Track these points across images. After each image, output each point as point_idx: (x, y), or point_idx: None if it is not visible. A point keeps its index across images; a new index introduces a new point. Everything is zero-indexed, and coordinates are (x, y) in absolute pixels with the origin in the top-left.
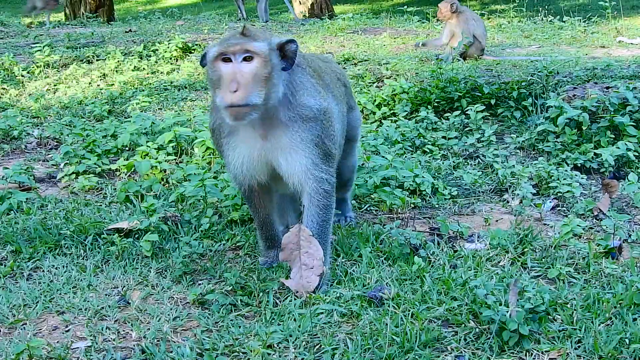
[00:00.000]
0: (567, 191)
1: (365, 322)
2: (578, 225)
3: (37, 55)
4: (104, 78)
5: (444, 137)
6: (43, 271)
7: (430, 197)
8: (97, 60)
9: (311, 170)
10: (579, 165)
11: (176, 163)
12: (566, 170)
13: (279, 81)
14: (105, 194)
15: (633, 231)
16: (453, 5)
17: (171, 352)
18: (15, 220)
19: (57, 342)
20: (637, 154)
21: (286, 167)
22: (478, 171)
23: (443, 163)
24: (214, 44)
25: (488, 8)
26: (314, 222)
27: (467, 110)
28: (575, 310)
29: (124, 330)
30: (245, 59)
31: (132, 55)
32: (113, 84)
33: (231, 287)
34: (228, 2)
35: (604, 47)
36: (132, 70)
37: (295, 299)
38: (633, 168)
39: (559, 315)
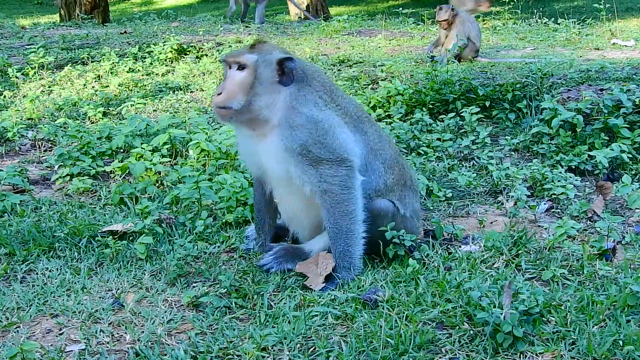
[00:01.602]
0: (562, 193)
1: (359, 325)
2: (572, 227)
3: (32, 56)
4: (99, 80)
5: (438, 139)
6: (37, 274)
7: (424, 199)
8: (92, 61)
9: (301, 176)
10: (573, 167)
11: (171, 165)
12: (560, 172)
13: (266, 91)
14: (100, 196)
15: (627, 233)
16: (453, 10)
17: (165, 355)
18: (9, 222)
19: (51, 345)
20: (631, 156)
21: (278, 171)
22: (473, 173)
23: (438, 165)
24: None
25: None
26: (328, 221)
27: (462, 112)
28: (569, 312)
29: (118, 333)
30: (239, 68)
31: (127, 57)
32: (108, 86)
33: (225, 289)
34: (224, 4)
35: (598, 49)
36: (127, 72)
37: (289, 301)
38: (627, 170)
39: (553, 317)
